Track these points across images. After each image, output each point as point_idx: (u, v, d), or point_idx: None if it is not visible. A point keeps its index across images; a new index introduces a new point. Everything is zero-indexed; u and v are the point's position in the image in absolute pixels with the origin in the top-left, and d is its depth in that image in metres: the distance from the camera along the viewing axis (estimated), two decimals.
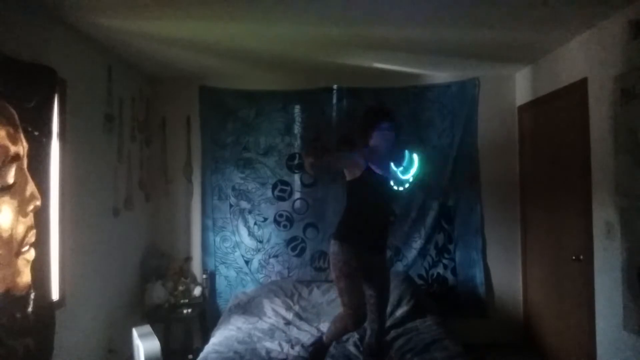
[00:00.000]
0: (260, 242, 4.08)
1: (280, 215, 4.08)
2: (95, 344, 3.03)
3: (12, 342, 1.99)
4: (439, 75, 4.11)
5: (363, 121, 2.82)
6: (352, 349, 3.01)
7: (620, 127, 2.63)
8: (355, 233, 2.67)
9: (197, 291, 3.87)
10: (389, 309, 3.36)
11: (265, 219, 4.08)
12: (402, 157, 2.86)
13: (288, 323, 3.35)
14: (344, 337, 3.13)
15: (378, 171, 2.66)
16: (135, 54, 3.37)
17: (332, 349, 2.93)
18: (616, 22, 2.66)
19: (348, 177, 2.72)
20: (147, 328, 2.78)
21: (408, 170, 2.79)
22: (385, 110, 2.94)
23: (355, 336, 3.13)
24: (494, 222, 4.10)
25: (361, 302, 2.61)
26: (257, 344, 3.00)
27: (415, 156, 2.85)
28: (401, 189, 2.78)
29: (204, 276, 3.98)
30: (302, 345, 3.00)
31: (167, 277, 3.86)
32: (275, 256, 4.08)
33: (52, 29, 2.56)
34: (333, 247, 2.67)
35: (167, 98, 4.12)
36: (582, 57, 3.05)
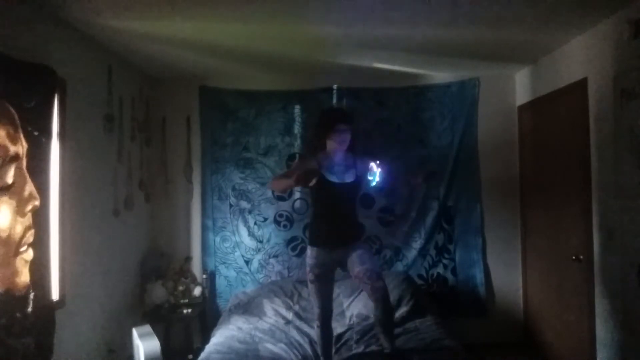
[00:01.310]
0: (260, 242, 4.08)
1: (280, 215, 4.08)
2: (95, 344, 3.03)
3: (12, 342, 1.99)
4: (439, 75, 4.11)
5: (316, 125, 2.81)
6: (356, 349, 3.01)
7: (620, 127, 2.63)
8: (321, 236, 2.73)
9: (197, 291, 3.87)
10: None
11: (265, 219, 4.08)
12: (361, 161, 2.76)
13: (288, 323, 3.35)
14: (344, 338, 3.13)
15: (331, 177, 2.65)
16: (135, 54, 3.37)
17: (338, 351, 2.94)
18: (616, 22, 2.66)
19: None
20: (147, 328, 2.79)
21: (373, 180, 2.61)
22: (337, 113, 2.93)
23: (355, 337, 3.13)
24: (494, 222, 4.10)
25: (326, 302, 2.79)
26: (258, 345, 3.00)
27: (375, 166, 2.58)
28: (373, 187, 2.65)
29: (204, 276, 3.98)
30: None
31: (167, 277, 3.86)
32: (275, 256, 4.08)
33: (52, 29, 2.56)
34: (307, 252, 2.79)
35: (167, 98, 4.12)
36: (582, 57, 3.05)
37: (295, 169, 2.75)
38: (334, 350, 2.95)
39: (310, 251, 2.75)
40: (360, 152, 2.94)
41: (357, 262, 2.68)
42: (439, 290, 4.07)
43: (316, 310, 2.82)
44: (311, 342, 3.07)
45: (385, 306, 2.68)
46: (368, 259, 2.72)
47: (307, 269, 2.76)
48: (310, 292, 2.86)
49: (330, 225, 2.71)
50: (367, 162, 2.61)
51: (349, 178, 2.70)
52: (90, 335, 2.97)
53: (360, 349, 3.00)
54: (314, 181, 2.60)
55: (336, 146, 2.66)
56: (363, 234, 2.85)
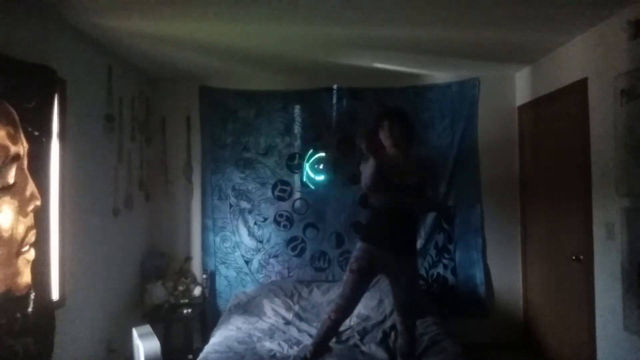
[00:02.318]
0: (260, 242, 4.08)
1: (280, 215, 4.08)
2: (95, 344, 3.03)
3: (12, 342, 1.99)
4: (439, 75, 4.11)
5: (374, 125, 2.71)
6: (356, 350, 3.01)
7: (620, 127, 2.63)
8: (377, 236, 2.69)
9: (197, 291, 3.87)
10: (388, 309, 3.37)
11: (265, 219, 4.08)
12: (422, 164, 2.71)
13: (288, 323, 3.35)
14: (344, 337, 3.13)
15: (390, 176, 2.60)
16: (135, 54, 3.37)
17: (339, 350, 2.93)
18: (616, 22, 2.66)
19: (369, 183, 2.62)
20: (147, 328, 2.78)
21: None
22: (386, 109, 2.87)
23: (356, 337, 3.13)
24: (494, 222, 4.10)
25: (353, 299, 2.71)
26: (256, 344, 3.00)
27: None
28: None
29: (204, 276, 3.97)
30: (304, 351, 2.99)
31: (167, 277, 3.86)
32: (275, 256, 4.08)
33: (52, 29, 2.56)
34: (357, 245, 2.76)
35: (167, 98, 4.12)
36: (582, 57, 3.05)
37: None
38: (341, 351, 2.94)
39: (360, 245, 2.73)
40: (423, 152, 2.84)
41: (402, 289, 2.68)
42: (439, 290, 4.07)
43: (338, 302, 2.72)
44: (310, 337, 3.07)
45: (410, 341, 2.71)
46: (412, 290, 2.71)
47: (352, 259, 2.70)
48: (343, 283, 2.73)
49: (386, 228, 2.65)
50: (431, 168, 2.64)
51: (408, 180, 2.60)
52: (90, 335, 2.97)
53: (361, 348, 3.00)
54: (377, 179, 2.57)
55: (385, 143, 2.62)
56: (416, 250, 2.81)
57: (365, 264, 2.66)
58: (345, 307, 2.72)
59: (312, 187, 3.04)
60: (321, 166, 2.57)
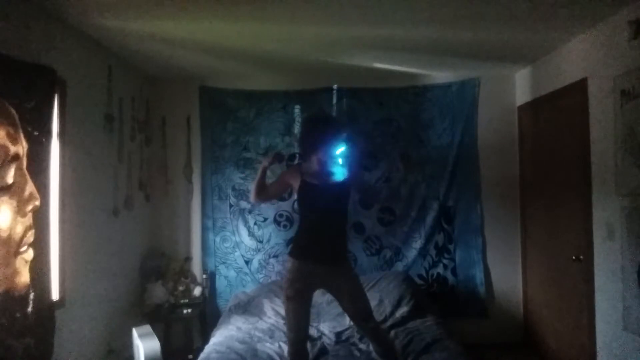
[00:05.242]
0: (260, 242, 4.08)
1: (280, 215, 4.08)
2: (95, 344, 3.03)
3: (12, 342, 1.99)
4: (439, 75, 4.11)
5: (300, 133, 2.72)
6: (354, 348, 3.01)
7: (620, 127, 2.63)
8: (306, 248, 2.54)
9: (197, 291, 3.87)
10: (388, 309, 3.37)
11: (265, 219, 4.08)
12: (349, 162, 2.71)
13: None
14: (343, 337, 3.13)
15: (314, 181, 2.56)
16: (135, 54, 3.37)
17: (335, 351, 2.93)
18: (616, 22, 2.66)
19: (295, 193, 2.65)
20: (147, 328, 2.78)
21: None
22: (312, 119, 2.93)
23: (355, 336, 3.12)
24: (494, 222, 4.10)
25: (301, 324, 2.54)
26: (257, 344, 3.00)
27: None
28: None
29: (204, 276, 3.98)
30: None
31: (167, 277, 3.86)
32: (275, 256, 4.08)
33: (52, 29, 2.56)
34: (285, 264, 2.60)
35: (167, 98, 4.12)
36: (582, 57, 3.05)
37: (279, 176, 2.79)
38: (339, 351, 2.94)
39: (290, 264, 2.54)
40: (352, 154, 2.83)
41: (347, 299, 2.57)
42: (439, 290, 4.07)
43: (289, 335, 2.56)
44: (310, 340, 3.07)
45: (381, 341, 2.65)
46: (359, 296, 2.57)
47: (286, 284, 2.52)
48: (285, 312, 2.59)
49: (315, 234, 2.53)
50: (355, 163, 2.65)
51: (334, 179, 2.59)
52: (90, 335, 2.97)
53: (358, 346, 3.00)
54: (296, 187, 2.60)
55: (314, 153, 2.61)
56: (347, 254, 2.72)
57: (298, 287, 2.49)
58: (298, 335, 2.54)
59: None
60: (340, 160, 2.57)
